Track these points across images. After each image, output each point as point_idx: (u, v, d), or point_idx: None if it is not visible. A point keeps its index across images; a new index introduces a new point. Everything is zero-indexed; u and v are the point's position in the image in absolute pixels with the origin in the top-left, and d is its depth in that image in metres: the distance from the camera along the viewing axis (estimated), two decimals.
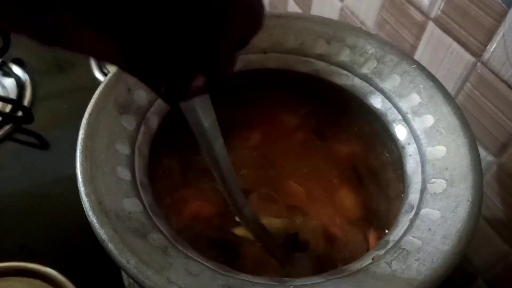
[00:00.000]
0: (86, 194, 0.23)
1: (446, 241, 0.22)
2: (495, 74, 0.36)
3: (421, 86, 0.30)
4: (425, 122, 0.29)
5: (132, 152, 0.27)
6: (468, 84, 0.39)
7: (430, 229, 0.23)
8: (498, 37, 0.35)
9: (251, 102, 0.35)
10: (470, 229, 0.22)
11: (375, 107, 0.32)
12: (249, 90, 0.34)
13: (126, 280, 0.35)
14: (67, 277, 0.40)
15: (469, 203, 0.23)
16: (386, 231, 0.27)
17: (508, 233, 0.40)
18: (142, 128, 0.29)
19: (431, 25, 0.41)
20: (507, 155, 0.37)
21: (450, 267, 0.21)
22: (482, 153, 0.39)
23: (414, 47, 0.44)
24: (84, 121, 0.26)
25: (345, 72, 0.33)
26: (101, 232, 0.22)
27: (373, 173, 0.33)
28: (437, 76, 0.41)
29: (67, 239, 0.43)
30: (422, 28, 0.42)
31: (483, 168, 0.40)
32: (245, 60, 0.33)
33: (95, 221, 0.22)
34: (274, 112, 0.36)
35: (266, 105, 0.35)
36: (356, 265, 0.23)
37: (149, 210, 0.24)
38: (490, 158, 0.39)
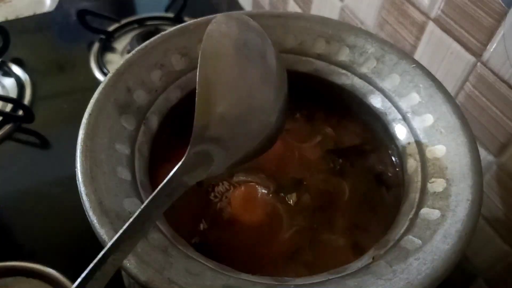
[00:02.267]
0: (87, 195, 0.23)
1: (446, 240, 0.22)
2: (495, 74, 0.36)
3: (421, 85, 0.30)
4: (425, 121, 0.29)
5: (132, 152, 0.27)
6: (468, 84, 0.39)
7: (430, 228, 0.23)
8: (498, 37, 0.35)
9: None
10: (470, 228, 0.22)
11: (375, 107, 0.32)
12: None
13: (126, 279, 0.35)
14: (67, 277, 0.40)
15: (469, 202, 0.23)
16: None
17: (508, 233, 0.40)
18: (142, 128, 0.29)
19: (431, 25, 0.41)
20: (507, 155, 0.37)
21: (451, 266, 0.21)
22: (482, 153, 0.39)
23: (414, 47, 0.44)
24: (84, 121, 0.26)
25: (344, 71, 0.33)
26: (102, 232, 0.22)
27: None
28: (437, 76, 0.41)
29: (67, 239, 0.43)
30: (422, 28, 0.42)
31: (483, 167, 0.40)
32: None
33: (95, 221, 0.22)
34: None
35: None
36: (356, 265, 0.23)
37: None
38: (490, 158, 0.39)
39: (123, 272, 0.34)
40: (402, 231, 0.24)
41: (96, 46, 0.63)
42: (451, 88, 0.40)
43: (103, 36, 0.64)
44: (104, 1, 0.75)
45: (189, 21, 0.33)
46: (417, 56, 0.44)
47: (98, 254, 0.19)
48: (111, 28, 0.65)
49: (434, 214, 0.24)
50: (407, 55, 0.32)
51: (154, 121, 0.30)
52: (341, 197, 0.30)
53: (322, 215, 0.29)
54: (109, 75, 0.28)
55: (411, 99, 0.30)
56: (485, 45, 0.36)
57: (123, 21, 0.66)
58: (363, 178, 0.32)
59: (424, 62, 0.43)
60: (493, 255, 0.42)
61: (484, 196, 0.41)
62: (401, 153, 0.30)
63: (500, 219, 0.40)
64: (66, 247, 0.43)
